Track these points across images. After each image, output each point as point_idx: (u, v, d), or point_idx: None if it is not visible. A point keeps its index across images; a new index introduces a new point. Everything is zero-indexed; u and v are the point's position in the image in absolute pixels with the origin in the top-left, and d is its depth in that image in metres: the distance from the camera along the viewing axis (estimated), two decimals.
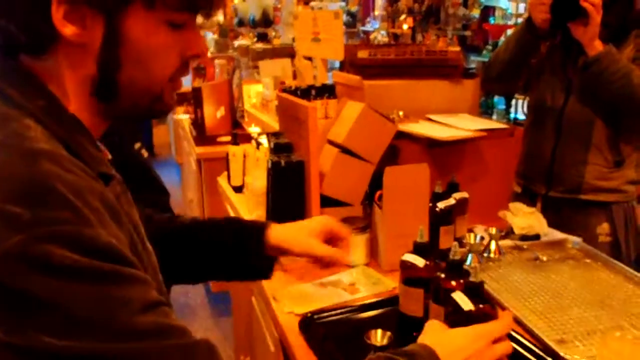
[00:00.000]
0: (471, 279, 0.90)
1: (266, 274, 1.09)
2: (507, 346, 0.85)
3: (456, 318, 0.89)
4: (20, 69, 0.66)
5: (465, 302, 0.88)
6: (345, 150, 1.43)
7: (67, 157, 0.61)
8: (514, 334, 1.03)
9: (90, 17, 0.64)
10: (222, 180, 2.17)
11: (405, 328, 1.07)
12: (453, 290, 0.95)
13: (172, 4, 0.67)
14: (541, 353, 1.00)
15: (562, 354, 0.98)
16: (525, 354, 1.01)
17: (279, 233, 1.07)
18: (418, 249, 1.07)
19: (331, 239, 1.11)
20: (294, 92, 1.79)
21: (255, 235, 1.06)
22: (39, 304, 0.54)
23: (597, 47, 1.60)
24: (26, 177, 0.57)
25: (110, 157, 0.78)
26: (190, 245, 1.05)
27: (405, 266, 1.07)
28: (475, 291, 0.90)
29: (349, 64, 1.93)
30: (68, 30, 0.64)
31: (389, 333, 1.02)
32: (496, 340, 0.83)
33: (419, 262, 1.05)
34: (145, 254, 0.70)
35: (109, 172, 0.68)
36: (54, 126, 0.64)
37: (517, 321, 1.10)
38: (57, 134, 0.63)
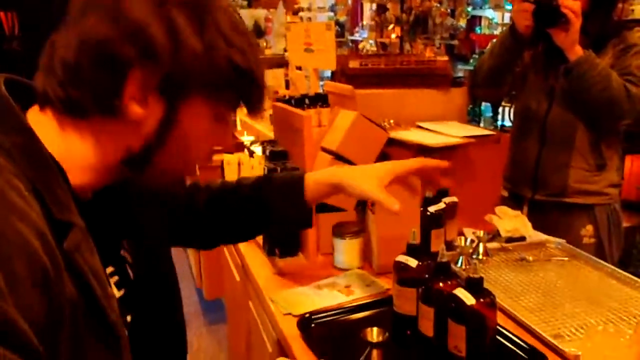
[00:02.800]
0: (471, 275, 0.96)
1: (309, 224, 1.11)
2: None
3: (460, 313, 0.94)
4: (3, 104, 0.65)
5: (467, 297, 0.94)
6: (338, 157, 1.47)
7: (18, 205, 0.58)
8: (505, 332, 1.08)
9: (153, 100, 0.66)
10: None
11: (400, 326, 1.11)
12: (441, 291, 1.00)
13: (230, 100, 0.71)
14: (538, 348, 1.04)
15: (560, 347, 1.03)
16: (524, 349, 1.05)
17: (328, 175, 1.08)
18: (411, 251, 1.11)
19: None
20: (288, 101, 1.83)
21: (295, 190, 1.07)
22: None
23: (577, 52, 1.66)
24: None
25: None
26: (237, 207, 1.07)
27: (399, 267, 1.11)
28: (476, 286, 0.95)
29: (340, 74, 1.99)
30: (133, 109, 0.66)
31: (384, 330, 1.05)
32: None
33: (412, 262, 1.09)
34: (106, 300, 0.66)
35: (70, 220, 0.65)
36: (25, 164, 0.63)
37: (513, 318, 1.16)
38: (25, 173, 0.62)
